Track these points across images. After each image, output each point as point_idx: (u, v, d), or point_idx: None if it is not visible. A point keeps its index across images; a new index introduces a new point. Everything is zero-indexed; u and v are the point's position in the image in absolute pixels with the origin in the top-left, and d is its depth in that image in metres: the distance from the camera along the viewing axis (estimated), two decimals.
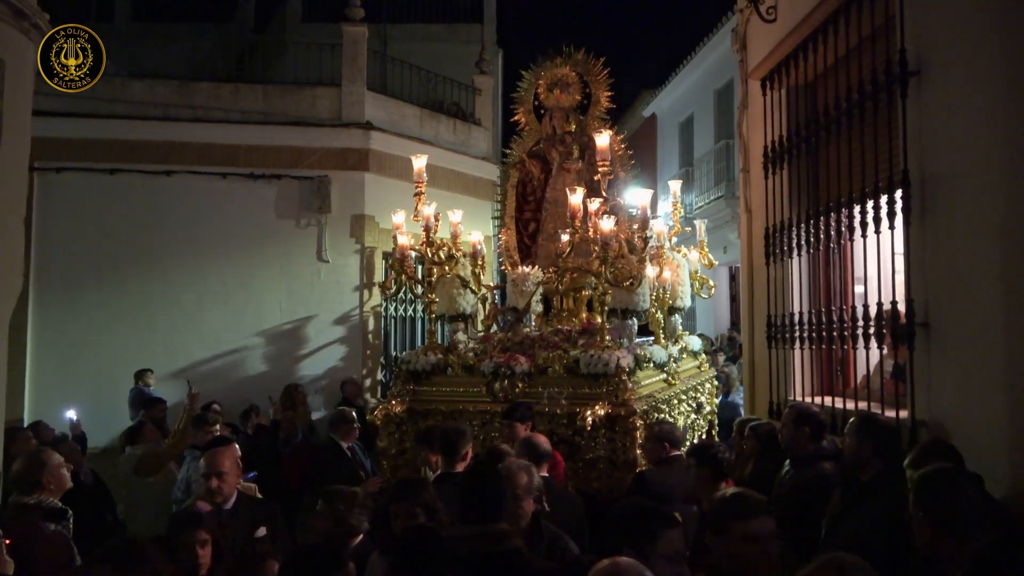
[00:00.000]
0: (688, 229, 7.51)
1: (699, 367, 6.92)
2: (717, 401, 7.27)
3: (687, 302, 6.83)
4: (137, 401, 8.96)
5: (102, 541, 5.43)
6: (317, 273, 10.12)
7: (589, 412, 4.87)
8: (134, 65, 11.86)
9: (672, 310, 6.56)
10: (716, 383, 7.40)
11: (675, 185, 7.12)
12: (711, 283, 7.46)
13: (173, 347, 9.91)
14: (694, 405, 6.30)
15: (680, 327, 6.96)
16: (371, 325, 10.42)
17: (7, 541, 3.31)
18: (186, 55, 12.53)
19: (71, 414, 7.55)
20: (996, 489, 3.25)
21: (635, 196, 5.67)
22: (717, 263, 15.81)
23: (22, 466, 3.87)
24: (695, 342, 7.09)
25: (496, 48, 16.36)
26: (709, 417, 6.67)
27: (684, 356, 6.52)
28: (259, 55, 12.90)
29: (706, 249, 7.39)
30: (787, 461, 4.09)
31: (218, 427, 6.18)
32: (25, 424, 8.15)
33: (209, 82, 10.55)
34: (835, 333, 4.81)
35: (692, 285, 6.97)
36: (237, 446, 4.35)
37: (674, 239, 6.80)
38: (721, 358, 9.34)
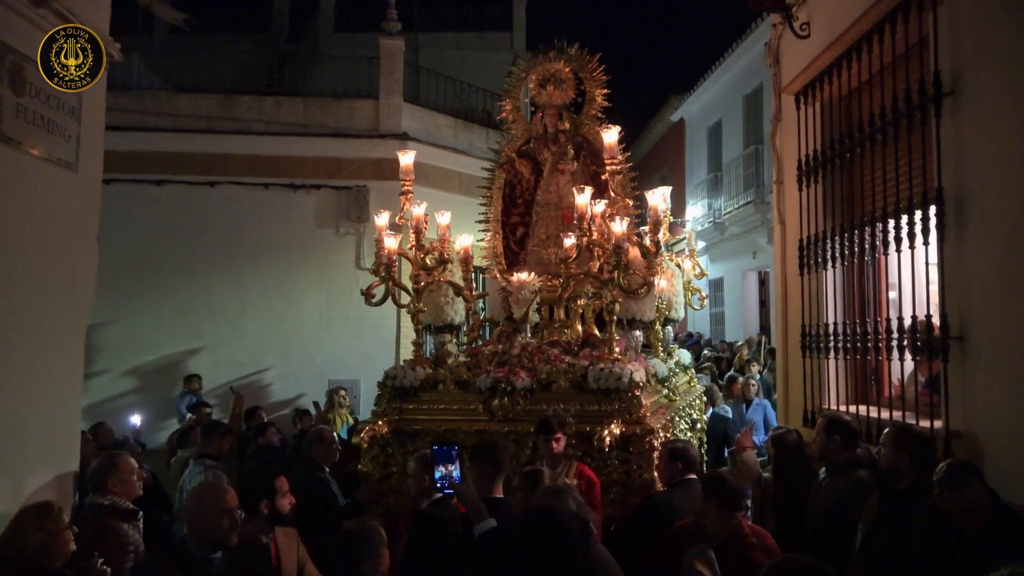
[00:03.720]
0: (676, 236, 7.22)
1: (689, 382, 6.62)
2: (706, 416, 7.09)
3: (680, 313, 6.60)
4: (185, 405, 9.30)
5: (158, 539, 5.70)
6: (355, 280, 10.38)
7: (606, 431, 4.44)
8: (173, 75, 12.26)
9: (666, 321, 6.30)
10: (704, 398, 7.20)
11: (665, 190, 6.62)
12: (703, 293, 7.20)
13: (216, 352, 10.23)
14: (689, 422, 6.10)
15: (672, 340, 6.75)
16: (408, 331, 10.66)
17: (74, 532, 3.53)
18: (225, 66, 12.90)
19: (135, 420, 7.84)
20: None
21: (652, 196, 5.17)
22: (745, 268, 15.89)
23: (96, 467, 4.10)
24: (685, 356, 6.91)
25: (526, 55, 16.59)
26: (700, 434, 6.46)
27: (677, 371, 6.24)
28: (297, 65, 13.24)
29: (697, 258, 7.15)
30: (822, 469, 4.22)
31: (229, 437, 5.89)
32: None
33: (251, 95, 10.89)
34: (869, 344, 4.91)
35: (686, 295, 6.75)
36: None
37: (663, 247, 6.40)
38: (755, 368, 9.29)
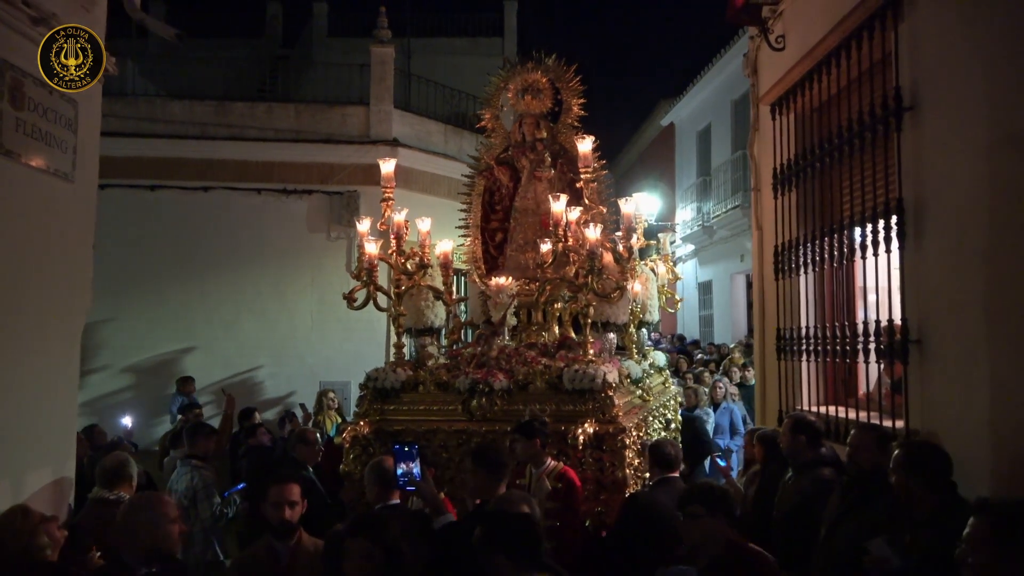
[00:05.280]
0: (653, 242, 7.23)
1: (664, 383, 6.74)
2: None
3: (655, 316, 6.71)
4: (176, 407, 9.46)
5: None
6: (347, 284, 10.51)
7: (580, 430, 4.54)
8: (167, 81, 12.41)
9: (641, 324, 6.43)
10: (681, 400, 7.31)
11: (640, 197, 6.30)
12: (678, 297, 7.31)
13: (212, 355, 10.39)
14: (664, 422, 6.21)
15: (647, 342, 6.83)
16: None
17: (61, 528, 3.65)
18: (218, 71, 13.05)
19: (126, 421, 7.98)
20: (979, 492, 3.54)
21: (625, 203, 5.19)
22: (733, 271, 16.07)
23: (111, 463, 4.26)
24: (660, 357, 7.04)
25: (517, 61, 16.79)
26: (674, 434, 6.56)
27: (652, 372, 6.35)
28: (290, 71, 13.40)
29: (671, 262, 7.26)
30: (789, 467, 4.40)
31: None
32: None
33: (244, 102, 11.07)
34: (839, 347, 5.10)
35: (660, 299, 6.85)
36: None
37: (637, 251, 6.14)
38: (750, 373, 9.41)
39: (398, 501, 3.97)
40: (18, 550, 3.26)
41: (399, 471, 3.61)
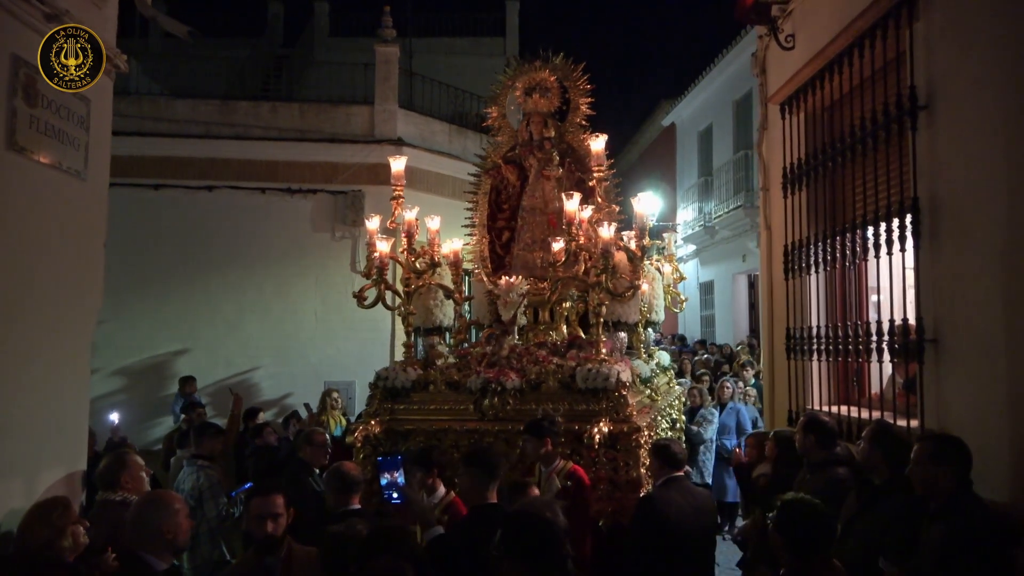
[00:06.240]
0: (659, 242, 7.22)
1: (668, 383, 6.73)
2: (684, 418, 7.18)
3: (661, 316, 6.73)
4: (181, 407, 9.43)
5: None
6: (351, 283, 10.50)
7: (595, 429, 4.54)
8: (170, 80, 12.38)
9: (648, 324, 6.44)
10: (684, 400, 7.32)
11: (650, 196, 6.24)
12: (683, 296, 7.33)
13: (214, 354, 10.35)
14: (670, 421, 6.22)
15: (652, 342, 6.85)
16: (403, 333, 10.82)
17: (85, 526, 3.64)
18: (220, 71, 13.03)
19: (113, 417, 7.92)
20: (998, 495, 3.54)
21: (638, 202, 5.19)
22: (735, 271, 16.06)
23: (106, 465, 4.25)
24: (664, 357, 7.04)
25: (519, 61, 16.80)
26: (679, 434, 6.58)
27: (658, 372, 6.36)
28: (293, 70, 13.37)
29: (676, 262, 7.27)
30: (802, 467, 4.39)
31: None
32: None
33: (248, 101, 11.04)
34: (850, 347, 5.09)
35: (665, 298, 6.87)
36: None
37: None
38: (749, 372, 9.40)
39: (359, 506, 3.90)
40: (43, 541, 3.26)
41: (383, 481, 3.54)
